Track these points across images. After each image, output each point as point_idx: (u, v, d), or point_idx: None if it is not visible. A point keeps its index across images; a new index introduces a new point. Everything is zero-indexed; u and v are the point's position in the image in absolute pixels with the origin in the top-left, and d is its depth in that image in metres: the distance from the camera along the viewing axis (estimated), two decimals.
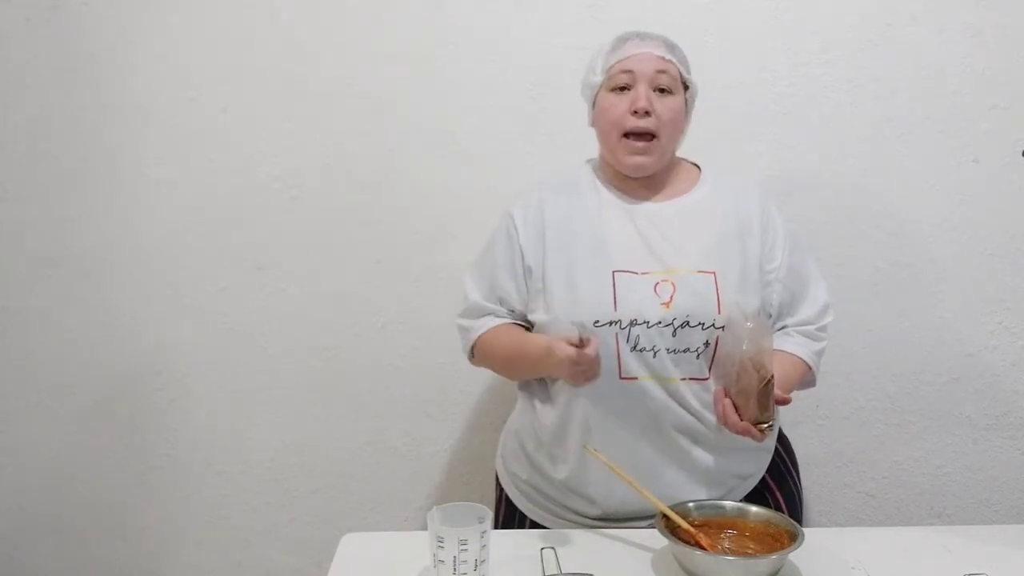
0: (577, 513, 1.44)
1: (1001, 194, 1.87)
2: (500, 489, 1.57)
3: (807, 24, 1.84)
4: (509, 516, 1.53)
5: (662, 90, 1.39)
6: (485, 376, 1.95)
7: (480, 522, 1.14)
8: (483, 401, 1.98)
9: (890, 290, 1.92)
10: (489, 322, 1.46)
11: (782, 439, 1.55)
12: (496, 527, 1.52)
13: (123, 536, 2.05)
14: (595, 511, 1.42)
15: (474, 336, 1.46)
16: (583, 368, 1.26)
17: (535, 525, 1.48)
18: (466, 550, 1.12)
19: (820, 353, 1.45)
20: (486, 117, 1.88)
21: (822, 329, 1.46)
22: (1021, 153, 1.83)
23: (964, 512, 2.00)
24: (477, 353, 1.49)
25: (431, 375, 1.97)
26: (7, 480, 2.04)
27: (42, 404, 2.00)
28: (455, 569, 1.12)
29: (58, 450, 2.02)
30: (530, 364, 1.40)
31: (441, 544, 1.12)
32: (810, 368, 1.43)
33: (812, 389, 1.50)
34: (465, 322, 1.49)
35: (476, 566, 1.13)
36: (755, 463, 1.46)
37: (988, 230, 1.89)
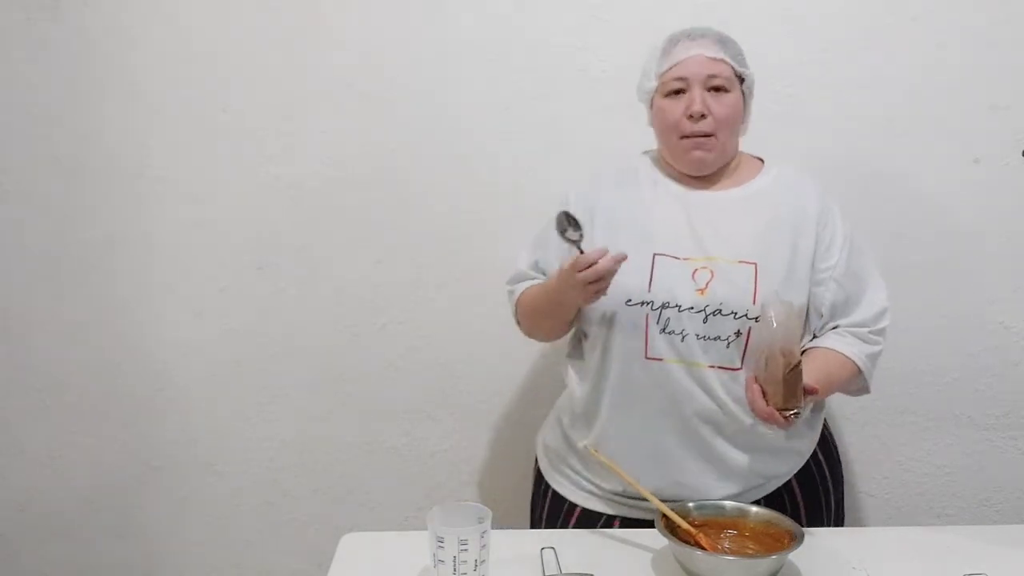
0: (595, 484, 1.45)
1: (1001, 194, 1.87)
2: (536, 461, 1.61)
3: (807, 23, 1.83)
4: (537, 485, 1.57)
5: (716, 88, 1.38)
6: (485, 376, 1.95)
7: (480, 522, 1.14)
8: (482, 401, 1.98)
9: (891, 290, 1.91)
10: (527, 283, 1.51)
11: (827, 448, 1.52)
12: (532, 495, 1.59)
13: (123, 536, 2.05)
14: (611, 484, 1.42)
15: (515, 297, 1.52)
16: (586, 275, 1.25)
17: (556, 496, 1.50)
18: (466, 550, 1.12)
19: (873, 357, 1.42)
20: (486, 117, 1.87)
21: (877, 332, 1.43)
22: (1021, 153, 1.83)
23: (964, 512, 1.99)
24: (520, 315, 1.53)
25: (431, 375, 1.97)
26: (7, 480, 2.04)
27: (42, 404, 2.00)
28: (455, 569, 1.12)
29: (58, 450, 2.02)
30: (554, 295, 1.40)
31: (441, 544, 1.12)
32: (860, 371, 1.40)
33: None
34: (509, 287, 1.55)
35: (476, 566, 1.13)
36: (783, 464, 1.43)
37: (988, 230, 1.88)
